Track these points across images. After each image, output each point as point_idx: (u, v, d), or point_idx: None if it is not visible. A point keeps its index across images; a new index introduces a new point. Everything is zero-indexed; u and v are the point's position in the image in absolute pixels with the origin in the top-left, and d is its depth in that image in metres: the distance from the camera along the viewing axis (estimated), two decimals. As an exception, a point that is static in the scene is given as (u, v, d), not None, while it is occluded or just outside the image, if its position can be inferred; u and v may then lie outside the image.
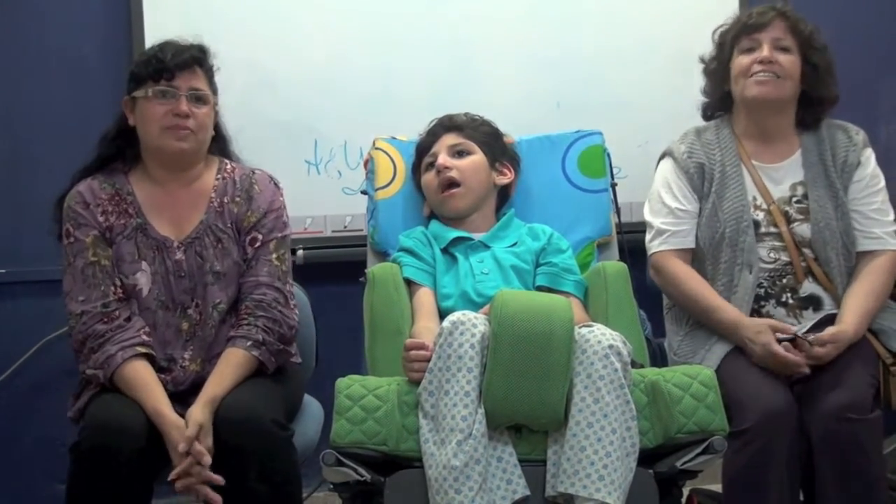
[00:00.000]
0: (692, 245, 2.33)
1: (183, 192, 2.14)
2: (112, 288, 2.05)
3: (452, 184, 2.21)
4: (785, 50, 2.28)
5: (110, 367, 1.98)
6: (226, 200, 2.15)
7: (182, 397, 2.01)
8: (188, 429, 1.89)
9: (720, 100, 2.42)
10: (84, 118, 2.73)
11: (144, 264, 2.08)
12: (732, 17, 2.40)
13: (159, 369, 2.04)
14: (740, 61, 2.31)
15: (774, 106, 2.32)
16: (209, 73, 2.13)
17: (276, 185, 2.21)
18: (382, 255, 2.30)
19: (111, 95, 2.63)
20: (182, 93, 2.06)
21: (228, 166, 2.20)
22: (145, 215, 2.11)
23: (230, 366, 2.02)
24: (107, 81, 2.75)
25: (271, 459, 1.89)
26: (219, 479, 1.88)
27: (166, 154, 2.09)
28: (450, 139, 2.26)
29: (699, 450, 1.79)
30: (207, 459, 1.88)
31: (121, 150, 2.15)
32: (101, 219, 2.08)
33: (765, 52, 2.27)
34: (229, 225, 2.13)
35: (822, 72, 2.31)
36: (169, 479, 1.89)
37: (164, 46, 2.09)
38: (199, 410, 1.92)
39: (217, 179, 2.17)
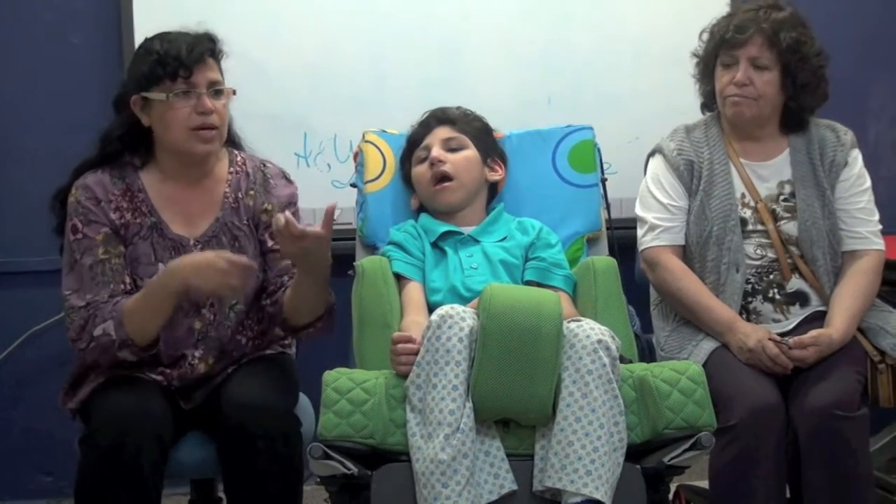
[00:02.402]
0: (683, 242, 2.33)
1: (196, 187, 2.07)
2: (122, 286, 1.97)
3: (445, 177, 2.20)
4: (762, 68, 2.25)
5: (118, 312, 1.91)
6: (240, 196, 2.09)
7: (186, 392, 1.99)
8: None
9: (711, 97, 2.41)
10: (72, 108, 2.71)
11: (161, 266, 2.00)
12: (717, 18, 2.34)
13: (164, 365, 2.00)
14: (720, 77, 2.30)
15: (752, 122, 2.31)
16: (220, 62, 2.05)
17: (287, 179, 2.17)
18: (371, 249, 2.29)
19: (100, 85, 2.63)
20: (202, 89, 1.97)
21: (239, 158, 2.13)
22: (158, 213, 2.03)
23: None
24: (96, 71, 2.74)
25: (284, 444, 1.88)
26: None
27: (192, 155, 2.02)
28: (443, 132, 2.25)
29: (687, 445, 1.78)
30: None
31: (126, 148, 2.06)
32: (114, 216, 1.99)
33: (739, 74, 2.25)
34: (245, 221, 2.09)
35: (803, 83, 2.27)
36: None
37: (175, 41, 1.98)
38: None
39: (230, 173, 2.10)
